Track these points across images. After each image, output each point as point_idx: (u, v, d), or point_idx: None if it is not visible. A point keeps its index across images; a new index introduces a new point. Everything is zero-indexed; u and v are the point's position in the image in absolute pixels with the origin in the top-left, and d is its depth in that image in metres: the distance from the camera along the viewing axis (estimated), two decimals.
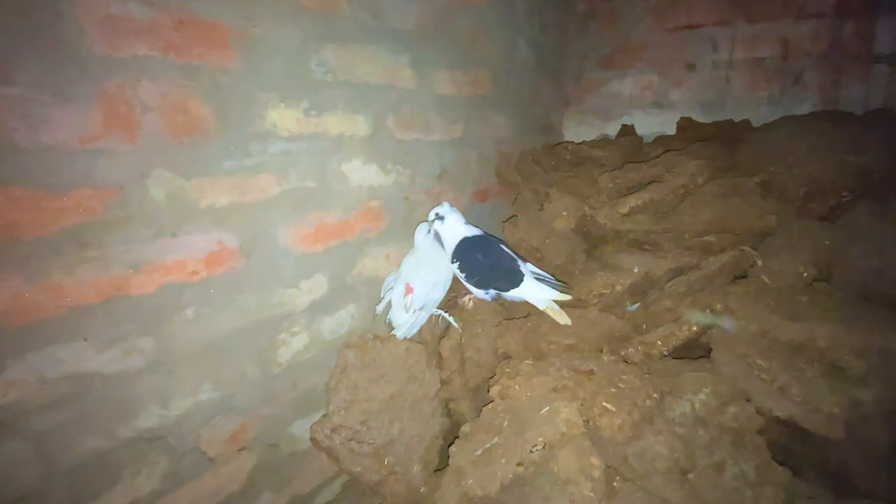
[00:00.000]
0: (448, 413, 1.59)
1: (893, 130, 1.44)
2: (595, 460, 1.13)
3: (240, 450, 1.19)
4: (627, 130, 2.22)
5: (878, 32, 1.70)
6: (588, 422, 1.17)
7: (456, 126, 1.74)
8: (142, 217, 0.93)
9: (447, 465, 1.33)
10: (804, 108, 1.87)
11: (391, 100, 1.44)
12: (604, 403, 1.19)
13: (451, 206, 1.52)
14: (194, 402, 1.07)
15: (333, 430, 1.34)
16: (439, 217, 1.50)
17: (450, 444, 1.33)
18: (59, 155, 0.81)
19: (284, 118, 1.15)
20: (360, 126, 1.35)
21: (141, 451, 0.98)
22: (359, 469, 1.37)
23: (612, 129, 2.33)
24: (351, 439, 1.36)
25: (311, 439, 1.33)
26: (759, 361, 1.13)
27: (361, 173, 1.40)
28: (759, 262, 1.36)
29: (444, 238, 1.52)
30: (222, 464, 1.15)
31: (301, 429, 1.35)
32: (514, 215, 1.89)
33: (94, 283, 0.88)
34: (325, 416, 1.35)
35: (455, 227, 1.48)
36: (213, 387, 1.10)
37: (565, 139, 2.47)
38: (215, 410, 1.11)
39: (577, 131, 2.47)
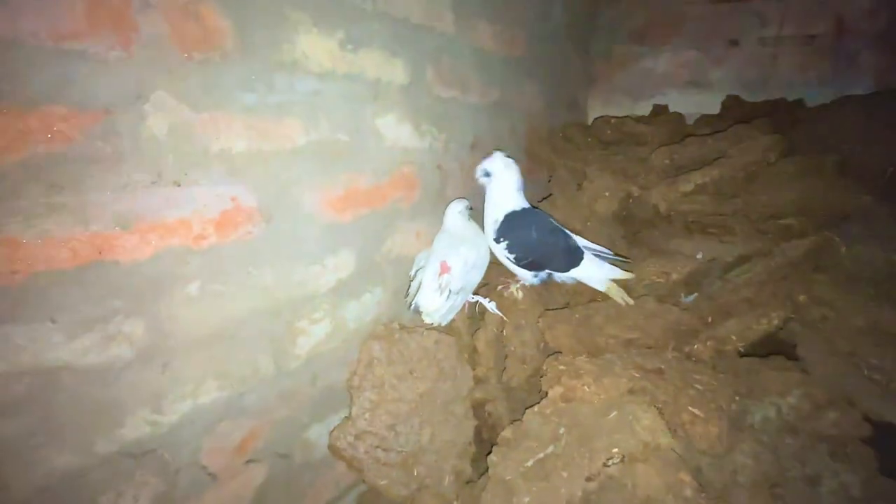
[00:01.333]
0: (481, 415, 1.38)
1: None
2: (685, 476, 0.95)
3: (248, 462, 0.95)
4: (661, 111, 2.05)
5: None
6: (674, 430, 0.99)
7: (492, 89, 1.53)
8: (136, 156, 0.68)
9: (481, 474, 1.14)
10: (857, 91, 1.73)
11: (431, 46, 1.22)
12: (690, 408, 1.01)
13: (507, 157, 1.27)
14: (195, 404, 0.82)
15: (358, 437, 1.12)
16: (487, 174, 1.26)
17: (487, 453, 1.13)
18: (21, 53, 0.56)
19: (317, 48, 0.91)
20: (398, 72, 1.13)
21: (125, 469, 0.74)
22: (385, 482, 1.16)
23: (643, 110, 2.16)
24: (377, 447, 1.14)
25: (331, 447, 1.10)
26: (872, 360, 0.97)
27: (396, 132, 1.17)
28: (843, 249, 1.21)
29: (487, 204, 1.29)
30: (227, 480, 0.91)
31: (318, 434, 1.13)
32: (549, 194, 1.70)
33: (66, 240, 0.63)
34: (347, 419, 1.13)
35: (505, 194, 1.24)
36: (220, 384, 0.86)
37: (590, 118, 2.28)
38: (221, 414, 0.87)
39: (603, 111, 2.28)
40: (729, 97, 1.87)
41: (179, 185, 0.74)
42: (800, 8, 1.81)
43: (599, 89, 2.28)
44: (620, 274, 1.24)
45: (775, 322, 1.16)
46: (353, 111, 1.03)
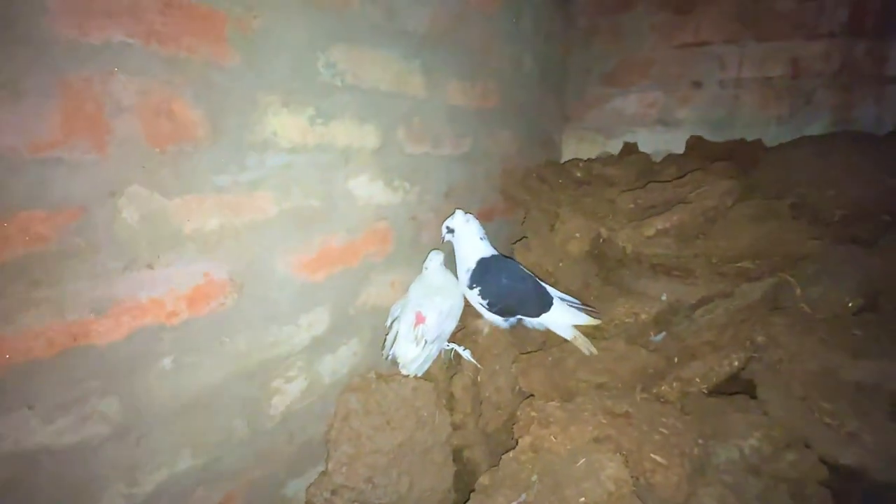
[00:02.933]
0: (460, 461, 1.41)
1: None
2: None
3: None
4: (631, 149, 2.14)
5: (890, 53, 1.68)
6: (637, 478, 1.03)
7: (465, 140, 1.60)
8: (110, 246, 0.73)
9: None
10: (815, 129, 1.83)
11: (402, 109, 1.29)
12: (653, 455, 1.04)
13: (466, 214, 1.36)
14: (171, 473, 0.86)
15: (334, 492, 1.14)
16: (450, 230, 1.34)
17: (466, 501, 1.15)
18: (1, 165, 0.62)
19: (287, 126, 0.97)
20: (369, 137, 1.19)
21: None
22: None
23: (615, 147, 2.25)
24: (354, 501, 1.16)
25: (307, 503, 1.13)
26: (824, 404, 1.02)
27: (368, 190, 1.23)
28: (799, 291, 1.26)
29: (457, 256, 1.36)
30: None
31: (296, 489, 1.15)
32: (524, 236, 1.76)
33: (44, 331, 0.67)
34: (323, 473, 1.15)
35: (471, 245, 1.31)
36: (195, 453, 0.89)
37: (564, 156, 2.37)
38: (196, 481, 0.90)
39: (577, 148, 2.37)
40: (693, 137, 1.96)
41: (152, 268, 0.79)
42: (757, 51, 1.92)
43: (573, 127, 2.37)
44: (587, 320, 1.29)
45: (736, 364, 1.21)
46: (324, 178, 1.09)
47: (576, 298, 1.56)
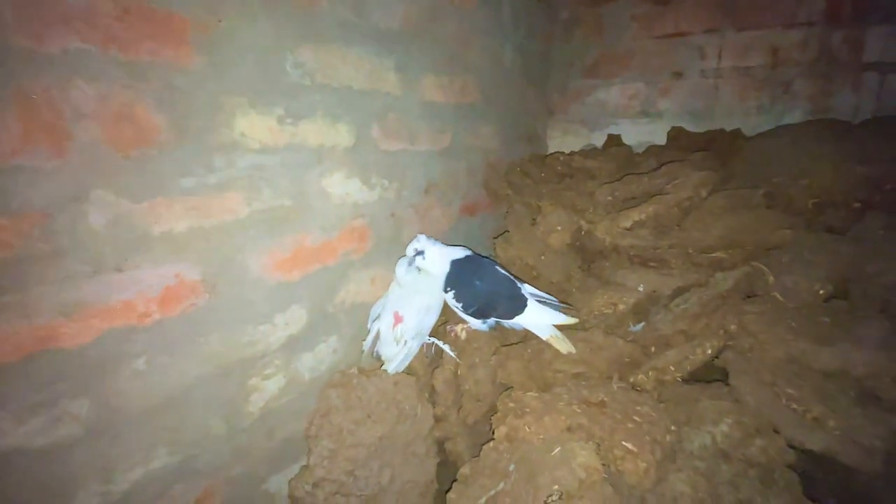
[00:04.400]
0: (444, 452, 1.43)
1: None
2: None
3: None
4: (614, 140, 2.14)
5: (867, 41, 1.68)
6: (608, 466, 1.05)
7: (444, 136, 1.61)
8: (77, 250, 0.74)
9: None
10: (794, 117, 1.84)
11: (375, 107, 1.29)
12: (624, 443, 1.06)
13: (427, 236, 1.37)
14: (146, 471, 0.87)
15: (316, 485, 1.16)
16: (419, 253, 1.35)
17: (447, 490, 1.18)
18: None
19: (255, 127, 0.98)
20: (342, 136, 1.20)
21: None
22: None
23: (599, 139, 2.25)
24: (336, 493, 1.19)
25: (290, 496, 1.15)
26: (789, 390, 1.04)
27: (344, 188, 1.24)
28: (771, 279, 1.28)
29: (431, 271, 1.37)
30: None
31: (278, 485, 1.17)
32: (506, 231, 1.77)
33: (10, 336, 0.69)
34: (305, 468, 1.17)
35: (440, 257, 1.33)
36: (171, 451, 0.91)
37: (550, 149, 2.37)
38: (174, 477, 0.92)
39: (562, 141, 2.38)
40: (674, 128, 1.97)
41: (121, 271, 0.80)
42: (736, 41, 1.92)
43: (557, 120, 2.38)
44: (565, 319, 1.30)
45: (709, 352, 1.23)
46: (296, 177, 1.10)
47: (558, 292, 1.58)
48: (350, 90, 1.20)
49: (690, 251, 1.37)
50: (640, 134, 2.16)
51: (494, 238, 1.74)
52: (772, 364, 1.10)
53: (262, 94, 0.99)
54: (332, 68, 1.14)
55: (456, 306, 1.33)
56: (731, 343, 1.27)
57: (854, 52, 1.71)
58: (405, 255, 1.36)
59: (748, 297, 1.31)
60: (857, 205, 1.33)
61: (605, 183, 1.60)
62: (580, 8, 2.24)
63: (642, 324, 1.45)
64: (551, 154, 2.08)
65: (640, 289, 1.40)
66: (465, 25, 1.64)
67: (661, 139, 2.06)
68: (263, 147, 1.01)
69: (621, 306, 1.45)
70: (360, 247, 1.32)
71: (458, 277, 1.30)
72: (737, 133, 1.83)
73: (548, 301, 1.36)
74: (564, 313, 1.32)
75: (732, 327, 1.24)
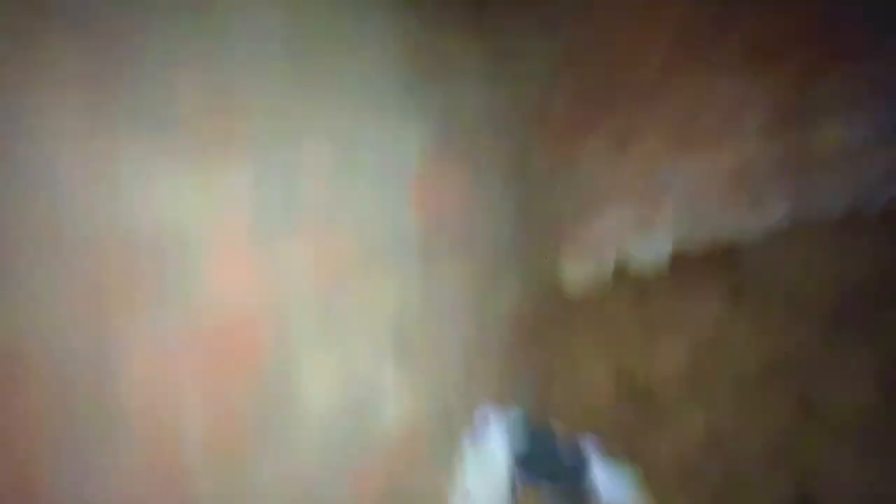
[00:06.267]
0: None
1: None
2: None
3: None
4: (621, 269, 2.30)
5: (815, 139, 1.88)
6: None
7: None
8: None
9: None
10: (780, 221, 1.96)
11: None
12: None
13: (490, 413, 1.48)
14: None
15: None
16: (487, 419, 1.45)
17: None
18: None
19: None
20: None
21: None
22: None
23: (607, 265, 2.41)
24: None
25: None
26: None
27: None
28: None
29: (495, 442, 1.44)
30: None
31: None
32: (544, 385, 1.87)
33: None
34: None
35: (498, 447, 1.42)
36: None
37: (564, 282, 2.54)
38: None
39: (574, 269, 2.55)
40: (674, 250, 2.13)
41: None
42: (699, 164, 2.15)
43: (568, 253, 2.57)
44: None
45: None
46: None
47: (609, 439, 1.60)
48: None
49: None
50: (645, 253, 2.31)
51: (534, 395, 1.83)
52: None
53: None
54: None
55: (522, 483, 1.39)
56: None
57: (807, 153, 1.89)
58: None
59: None
60: None
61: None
62: (555, 155, 2.55)
63: None
64: (570, 294, 2.22)
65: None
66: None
67: (664, 255, 2.21)
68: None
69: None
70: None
71: (522, 455, 1.39)
72: (735, 245, 1.96)
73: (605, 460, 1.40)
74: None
75: None
